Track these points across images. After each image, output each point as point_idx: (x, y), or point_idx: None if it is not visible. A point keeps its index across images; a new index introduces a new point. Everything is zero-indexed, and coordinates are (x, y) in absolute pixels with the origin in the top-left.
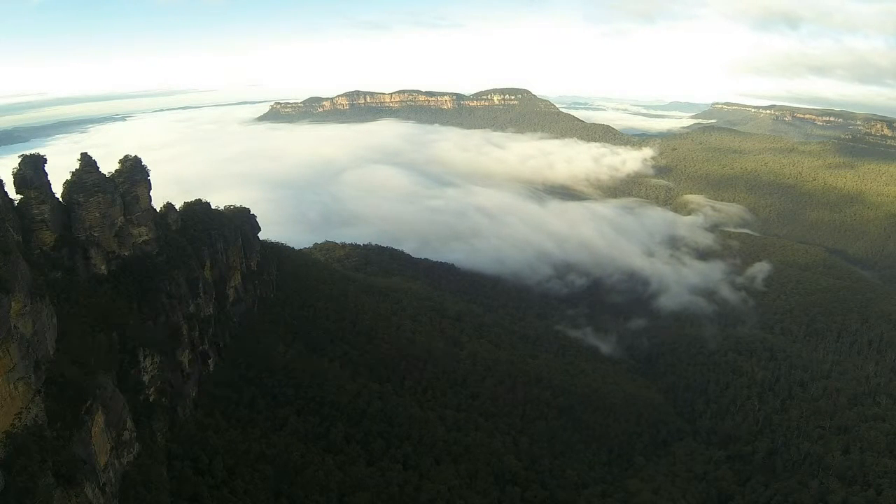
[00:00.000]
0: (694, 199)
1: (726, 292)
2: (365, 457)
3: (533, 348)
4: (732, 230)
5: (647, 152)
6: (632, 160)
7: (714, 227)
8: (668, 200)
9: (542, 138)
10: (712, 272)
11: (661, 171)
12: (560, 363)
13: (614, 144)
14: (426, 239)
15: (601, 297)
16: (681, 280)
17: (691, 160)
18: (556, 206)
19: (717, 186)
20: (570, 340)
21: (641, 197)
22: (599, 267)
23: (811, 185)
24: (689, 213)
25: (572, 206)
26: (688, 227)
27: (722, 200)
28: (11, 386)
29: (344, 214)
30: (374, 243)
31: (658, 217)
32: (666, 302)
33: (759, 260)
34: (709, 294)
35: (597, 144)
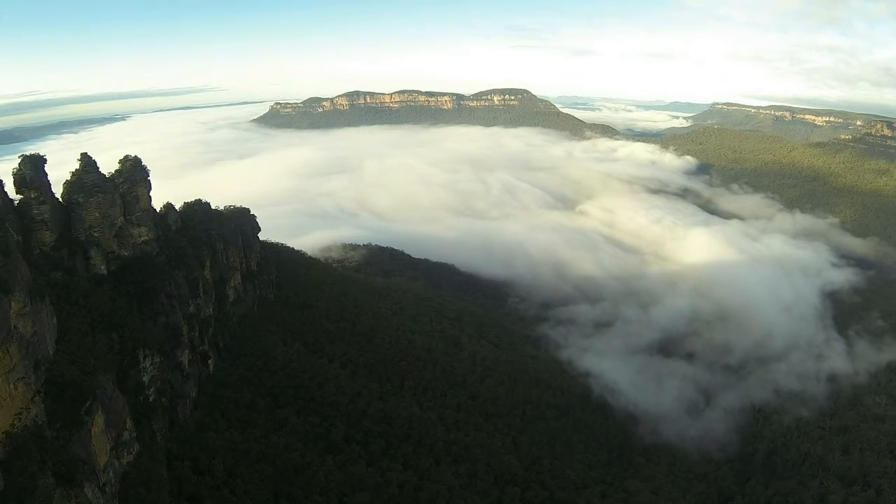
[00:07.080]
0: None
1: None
2: (365, 457)
3: (533, 348)
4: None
5: (670, 150)
6: (658, 159)
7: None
8: (706, 200)
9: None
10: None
11: (699, 169)
12: (560, 364)
13: (632, 143)
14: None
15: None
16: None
17: (711, 157)
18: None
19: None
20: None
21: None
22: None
23: (816, 182)
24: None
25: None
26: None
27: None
28: (11, 386)
29: None
30: (373, 243)
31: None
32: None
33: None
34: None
35: (617, 142)
